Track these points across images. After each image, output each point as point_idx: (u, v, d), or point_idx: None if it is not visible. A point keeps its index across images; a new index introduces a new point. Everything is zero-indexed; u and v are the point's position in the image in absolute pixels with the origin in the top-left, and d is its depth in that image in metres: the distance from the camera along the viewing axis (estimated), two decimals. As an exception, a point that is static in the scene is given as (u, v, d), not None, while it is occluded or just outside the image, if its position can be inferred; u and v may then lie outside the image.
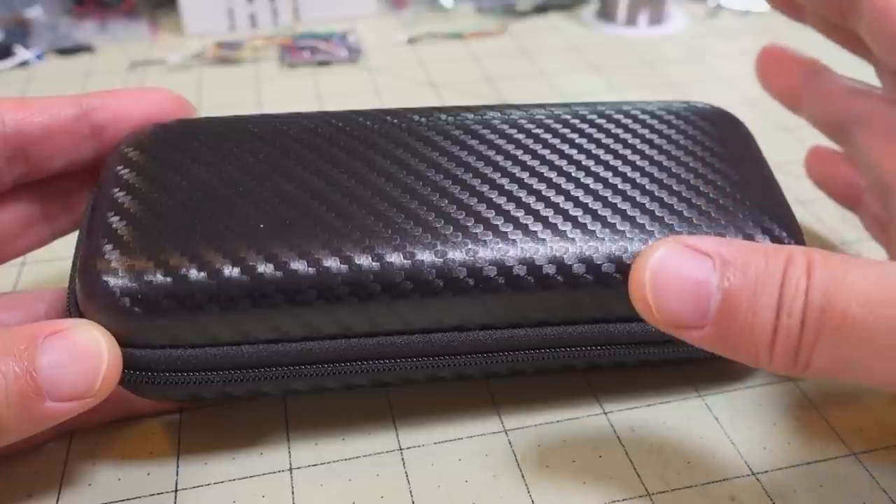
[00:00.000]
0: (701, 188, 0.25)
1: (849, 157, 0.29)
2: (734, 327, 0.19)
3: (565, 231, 0.23)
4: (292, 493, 0.24)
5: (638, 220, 0.23)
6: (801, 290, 0.18)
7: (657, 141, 0.26)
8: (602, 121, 0.26)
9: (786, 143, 0.41)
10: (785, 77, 0.31)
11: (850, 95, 0.28)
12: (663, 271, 0.20)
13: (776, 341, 0.19)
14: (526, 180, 0.24)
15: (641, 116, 0.27)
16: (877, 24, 0.24)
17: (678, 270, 0.20)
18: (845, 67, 0.30)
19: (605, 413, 0.26)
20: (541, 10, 0.58)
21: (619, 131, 0.26)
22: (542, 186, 0.24)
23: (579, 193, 0.24)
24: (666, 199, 0.24)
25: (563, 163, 0.25)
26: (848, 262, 0.19)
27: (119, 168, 0.24)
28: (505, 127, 0.26)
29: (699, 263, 0.19)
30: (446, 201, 0.23)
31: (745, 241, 0.20)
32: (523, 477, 0.24)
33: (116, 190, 0.23)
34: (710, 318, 0.19)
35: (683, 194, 0.24)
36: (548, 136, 0.26)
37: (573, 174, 0.25)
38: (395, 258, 0.22)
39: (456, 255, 0.22)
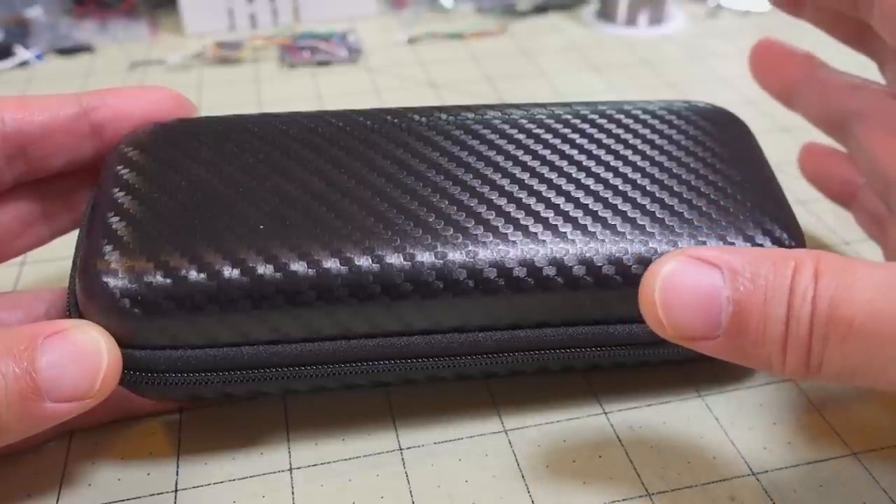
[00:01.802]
0: (702, 189, 0.25)
1: (847, 152, 0.29)
2: (746, 337, 0.19)
3: (565, 232, 0.23)
4: (292, 493, 0.24)
5: (638, 221, 0.23)
6: (808, 298, 0.18)
7: (658, 141, 0.26)
8: (603, 121, 0.26)
9: (786, 143, 0.40)
10: (780, 71, 0.31)
11: (849, 90, 0.28)
12: (673, 285, 0.19)
13: (787, 349, 0.19)
14: (526, 181, 0.24)
15: (642, 116, 0.27)
16: (891, 9, 0.24)
17: (687, 283, 0.19)
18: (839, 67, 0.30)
19: (605, 413, 0.26)
20: (541, 10, 0.58)
21: (620, 131, 0.26)
22: (542, 187, 0.24)
23: (580, 194, 0.24)
24: (667, 201, 0.24)
25: (564, 163, 0.25)
26: (856, 267, 0.19)
27: (119, 168, 0.24)
28: (505, 127, 0.26)
29: (708, 275, 0.19)
30: (446, 202, 0.23)
31: (753, 249, 0.20)
32: (523, 477, 0.24)
33: (116, 190, 0.23)
34: (722, 329, 0.19)
35: (684, 195, 0.24)
36: (548, 136, 0.26)
37: (574, 175, 0.24)
38: (394, 259, 0.22)
39: (456, 256, 0.22)
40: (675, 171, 0.25)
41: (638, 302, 0.20)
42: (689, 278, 0.19)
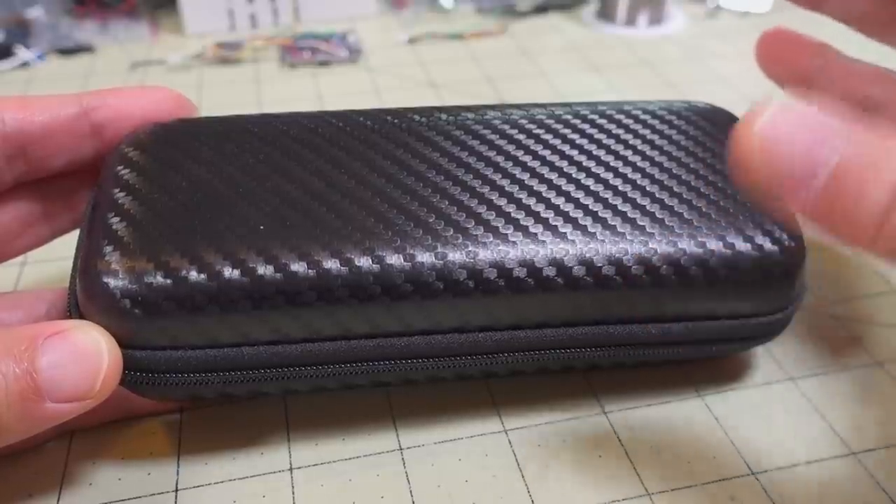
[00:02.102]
0: (701, 189, 0.25)
1: None
2: (843, 198, 0.17)
3: (565, 233, 0.23)
4: (292, 492, 0.24)
5: (638, 221, 0.23)
6: None
7: (658, 141, 0.26)
8: (603, 121, 0.26)
9: (786, 144, 0.40)
10: (793, 60, 0.30)
11: (873, 79, 0.28)
12: (780, 124, 0.18)
13: (888, 219, 0.17)
14: (526, 181, 0.24)
15: (642, 116, 0.27)
16: None
17: (795, 131, 0.18)
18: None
19: (605, 413, 0.26)
20: (541, 10, 0.58)
21: (620, 131, 0.26)
22: (542, 188, 0.24)
23: (580, 195, 0.24)
24: (666, 201, 0.24)
25: (564, 163, 0.25)
26: None
27: (119, 168, 0.24)
28: (505, 127, 0.26)
29: (820, 122, 0.18)
30: (446, 202, 0.23)
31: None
32: (523, 477, 0.24)
33: (116, 190, 0.23)
34: (819, 186, 0.18)
35: (684, 196, 0.24)
36: (548, 136, 0.26)
37: (573, 175, 0.25)
38: (394, 260, 0.22)
39: (456, 256, 0.22)
40: (674, 171, 0.25)
41: (733, 140, 0.18)
42: (798, 127, 0.18)
